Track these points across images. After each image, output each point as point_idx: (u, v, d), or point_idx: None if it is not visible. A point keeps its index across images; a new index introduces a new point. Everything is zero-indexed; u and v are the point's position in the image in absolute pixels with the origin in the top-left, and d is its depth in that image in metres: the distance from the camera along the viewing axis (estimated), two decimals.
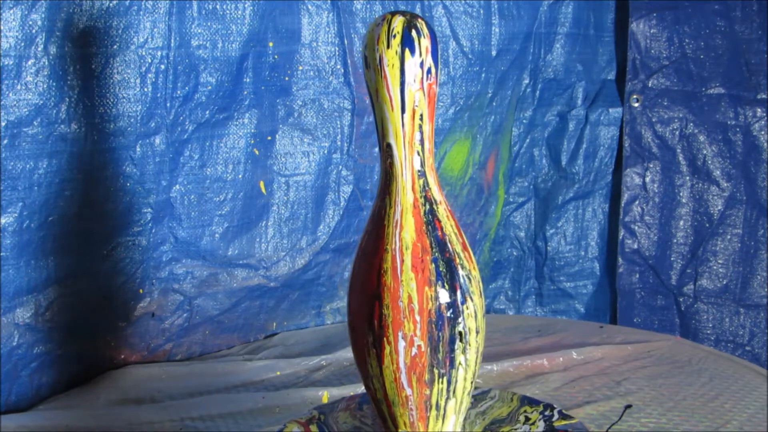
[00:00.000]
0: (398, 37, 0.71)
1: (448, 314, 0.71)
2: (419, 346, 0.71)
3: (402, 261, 0.71)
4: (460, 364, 0.73)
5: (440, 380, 0.72)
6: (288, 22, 1.32)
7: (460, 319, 0.72)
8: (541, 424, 0.85)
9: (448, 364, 0.72)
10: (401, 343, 0.71)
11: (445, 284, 0.72)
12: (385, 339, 0.71)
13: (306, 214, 1.40)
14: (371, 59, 0.72)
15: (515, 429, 0.83)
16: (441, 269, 0.72)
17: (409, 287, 0.71)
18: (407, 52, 0.71)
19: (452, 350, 0.72)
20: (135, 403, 1.14)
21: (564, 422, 0.86)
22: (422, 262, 0.71)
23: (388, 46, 0.71)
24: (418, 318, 0.70)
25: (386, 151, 0.73)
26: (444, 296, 0.71)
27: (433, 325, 0.71)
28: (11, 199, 1.07)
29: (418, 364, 0.71)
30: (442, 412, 0.74)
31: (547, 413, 0.87)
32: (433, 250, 0.72)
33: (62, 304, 1.15)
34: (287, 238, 1.39)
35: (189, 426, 1.07)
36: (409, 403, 0.73)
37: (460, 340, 0.72)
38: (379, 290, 0.71)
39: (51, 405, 1.13)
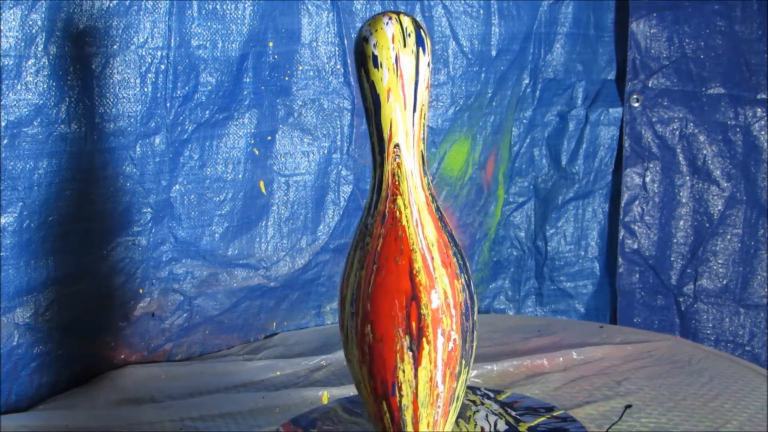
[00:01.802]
0: (413, 36, 0.71)
1: (471, 304, 0.73)
2: (455, 340, 0.71)
3: (432, 258, 0.71)
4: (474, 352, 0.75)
5: (465, 370, 0.74)
6: (288, 22, 1.32)
7: (475, 308, 0.74)
8: (491, 402, 0.89)
9: (472, 353, 0.74)
10: (440, 340, 0.71)
11: (465, 275, 0.73)
12: (424, 339, 0.71)
13: (306, 214, 1.40)
14: (384, 58, 0.71)
15: (479, 411, 0.86)
16: (460, 261, 0.73)
17: (443, 283, 0.71)
18: (420, 51, 0.71)
19: (473, 339, 0.74)
20: (135, 403, 1.14)
21: (503, 396, 0.90)
22: (448, 256, 0.72)
23: (404, 45, 0.71)
24: (453, 312, 0.71)
25: (394, 152, 0.73)
26: (468, 287, 0.73)
27: (464, 317, 0.72)
28: (11, 199, 1.07)
29: (452, 358, 0.72)
30: (459, 403, 0.75)
31: (479, 392, 0.91)
32: (451, 243, 0.73)
33: (62, 304, 1.15)
34: (287, 238, 1.39)
35: (189, 426, 1.07)
36: (439, 400, 0.73)
37: (476, 328, 0.74)
38: (415, 291, 0.70)
39: (51, 405, 1.13)
